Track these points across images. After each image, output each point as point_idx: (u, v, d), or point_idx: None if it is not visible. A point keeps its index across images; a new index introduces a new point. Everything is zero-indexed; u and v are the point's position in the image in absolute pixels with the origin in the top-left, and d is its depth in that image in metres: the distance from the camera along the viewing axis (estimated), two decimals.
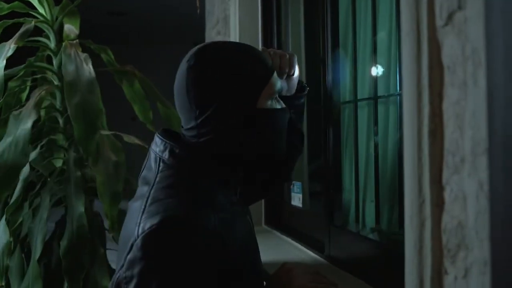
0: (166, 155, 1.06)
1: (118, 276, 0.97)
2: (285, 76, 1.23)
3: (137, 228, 0.96)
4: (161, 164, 1.06)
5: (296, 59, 1.25)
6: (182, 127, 1.11)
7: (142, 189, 1.06)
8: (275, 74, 1.10)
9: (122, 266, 0.97)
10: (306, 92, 1.34)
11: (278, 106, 1.11)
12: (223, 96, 1.04)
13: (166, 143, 1.07)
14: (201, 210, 0.99)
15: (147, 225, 0.94)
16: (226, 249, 0.99)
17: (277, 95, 1.11)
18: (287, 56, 1.22)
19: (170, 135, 1.11)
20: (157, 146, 1.09)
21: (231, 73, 1.04)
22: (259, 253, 1.19)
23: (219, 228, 0.99)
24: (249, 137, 1.07)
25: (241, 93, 1.05)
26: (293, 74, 1.26)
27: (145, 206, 0.99)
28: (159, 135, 1.10)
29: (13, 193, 1.90)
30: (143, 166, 1.13)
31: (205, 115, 1.04)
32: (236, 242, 1.04)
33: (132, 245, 0.95)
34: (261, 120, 1.07)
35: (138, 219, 0.97)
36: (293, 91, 1.30)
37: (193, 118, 1.06)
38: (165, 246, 0.94)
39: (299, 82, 1.32)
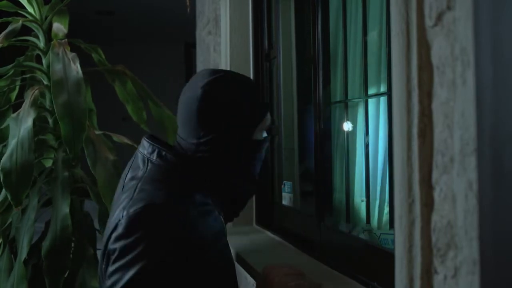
0: (154, 156, 1.20)
1: (107, 248, 1.10)
2: None
3: (122, 211, 1.09)
4: (149, 164, 1.20)
5: None
6: (179, 135, 1.26)
7: (129, 184, 1.19)
8: (268, 112, 1.30)
9: (108, 240, 1.10)
10: None
11: (264, 136, 1.30)
12: (227, 126, 1.21)
13: (154, 146, 1.22)
14: (182, 201, 1.13)
15: (132, 209, 1.08)
16: (201, 240, 1.12)
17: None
18: None
19: (156, 140, 1.26)
20: (145, 148, 1.23)
21: (238, 108, 1.22)
22: (230, 249, 1.31)
23: (195, 219, 1.13)
24: (238, 159, 1.25)
25: (242, 126, 1.24)
26: None
27: (132, 195, 1.13)
28: (146, 139, 1.25)
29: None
30: (128, 167, 1.26)
31: (207, 138, 1.20)
32: (209, 236, 1.17)
33: (117, 225, 1.08)
34: (252, 148, 1.26)
35: (124, 204, 1.11)
36: None
37: (196, 136, 1.21)
38: (143, 228, 1.06)
39: None
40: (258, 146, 1.27)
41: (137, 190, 1.13)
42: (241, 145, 1.24)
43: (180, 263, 1.06)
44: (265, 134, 1.31)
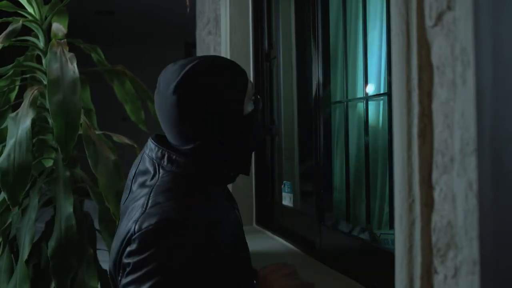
0: (164, 162, 1.14)
1: (121, 261, 1.08)
2: None
3: (134, 224, 1.05)
4: (160, 170, 1.14)
5: None
6: (171, 142, 1.18)
7: (141, 191, 1.14)
8: (248, 78, 1.22)
9: (120, 252, 1.08)
10: None
11: (252, 106, 1.21)
12: (215, 120, 1.14)
13: (164, 150, 1.16)
14: (198, 212, 1.09)
15: (145, 224, 1.04)
16: (218, 246, 1.09)
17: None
18: None
19: (162, 141, 1.19)
20: (152, 151, 1.17)
21: (219, 97, 1.14)
22: (248, 246, 1.28)
23: (211, 227, 1.09)
24: (243, 140, 1.20)
25: (231, 109, 1.16)
26: None
27: (145, 207, 1.08)
28: (153, 141, 1.18)
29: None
30: (134, 168, 1.21)
31: (203, 139, 1.14)
32: (228, 237, 1.15)
33: (129, 239, 1.06)
34: (249, 123, 1.20)
35: (137, 217, 1.07)
36: None
37: (190, 141, 1.14)
38: (157, 245, 1.03)
39: None
40: (253, 117, 1.20)
41: (150, 202, 1.08)
42: (238, 127, 1.17)
43: (193, 278, 1.05)
44: (252, 105, 1.22)
